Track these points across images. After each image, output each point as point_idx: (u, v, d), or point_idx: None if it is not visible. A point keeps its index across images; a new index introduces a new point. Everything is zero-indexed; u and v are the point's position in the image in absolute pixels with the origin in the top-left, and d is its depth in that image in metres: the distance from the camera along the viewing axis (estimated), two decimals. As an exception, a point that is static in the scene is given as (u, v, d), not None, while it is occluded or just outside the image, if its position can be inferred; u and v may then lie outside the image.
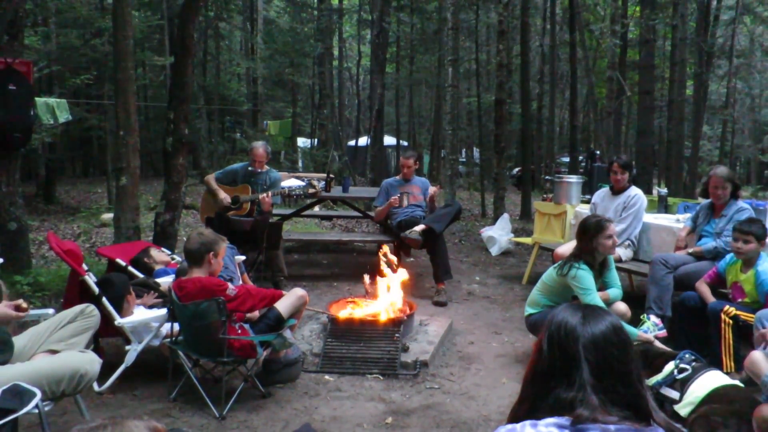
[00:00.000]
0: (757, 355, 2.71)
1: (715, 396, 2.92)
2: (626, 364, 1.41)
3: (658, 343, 3.58)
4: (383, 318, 4.29)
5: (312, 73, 21.06)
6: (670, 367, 3.22)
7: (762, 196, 15.93)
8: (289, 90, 22.39)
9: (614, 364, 1.39)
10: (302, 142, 21.77)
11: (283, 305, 3.57)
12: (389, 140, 22.49)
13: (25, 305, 2.80)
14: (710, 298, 4.03)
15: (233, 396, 3.39)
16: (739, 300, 3.93)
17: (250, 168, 6.07)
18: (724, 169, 4.74)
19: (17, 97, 5.31)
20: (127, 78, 5.87)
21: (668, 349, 3.54)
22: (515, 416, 1.48)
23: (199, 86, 17.56)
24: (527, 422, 1.39)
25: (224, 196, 5.91)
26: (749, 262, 3.91)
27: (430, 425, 3.25)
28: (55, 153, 14.32)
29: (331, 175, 7.59)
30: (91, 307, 3.22)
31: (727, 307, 3.78)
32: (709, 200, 4.78)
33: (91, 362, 2.76)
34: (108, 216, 9.33)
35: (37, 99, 8.11)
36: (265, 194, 5.80)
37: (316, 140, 21.12)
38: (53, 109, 9.53)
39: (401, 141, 23.28)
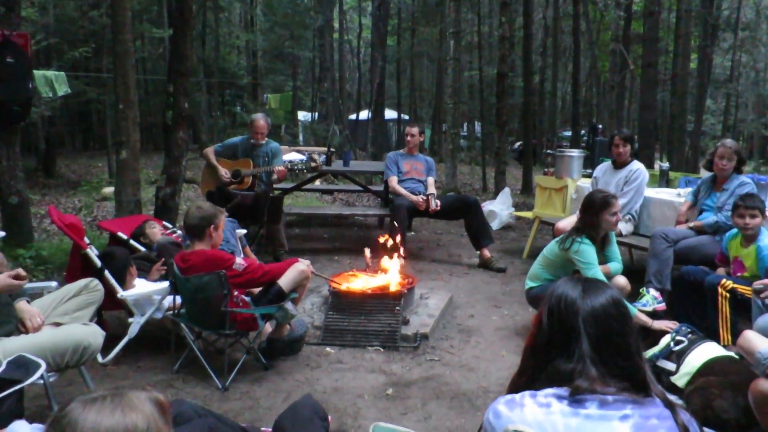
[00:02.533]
0: (750, 333, 2.73)
1: (711, 368, 2.96)
2: (625, 337, 1.42)
3: (656, 324, 3.60)
4: (384, 291, 4.31)
5: (312, 45, 20.87)
6: (666, 339, 3.26)
7: (764, 170, 15.88)
8: (290, 63, 22.20)
9: (613, 337, 1.41)
10: (303, 115, 21.67)
11: (284, 280, 3.58)
12: (390, 114, 22.36)
13: (23, 273, 2.81)
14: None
15: (236, 368, 3.43)
16: (739, 274, 3.94)
17: (251, 141, 6.05)
18: (732, 141, 4.73)
19: (15, 70, 5.27)
20: (125, 51, 5.81)
21: (667, 322, 3.57)
22: (515, 387, 1.50)
23: (198, 59, 17.41)
24: (527, 392, 1.41)
25: (224, 172, 5.89)
26: (751, 237, 3.91)
27: (430, 396, 3.29)
28: (55, 127, 14.27)
29: (332, 149, 7.57)
30: (95, 282, 3.24)
31: (724, 280, 3.80)
32: (710, 174, 4.77)
33: (94, 334, 2.79)
34: (109, 190, 9.34)
35: (35, 72, 8.05)
36: (281, 166, 5.86)
37: (316, 114, 21.03)
38: (52, 83, 9.49)
39: (402, 115, 23.16)
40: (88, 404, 1.16)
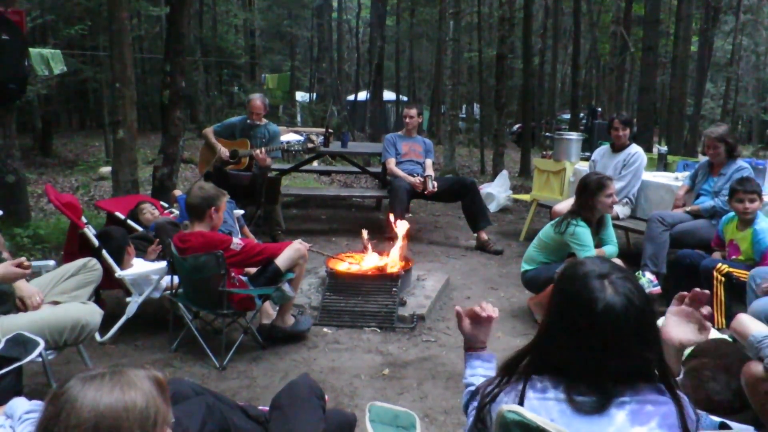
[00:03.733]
0: (743, 316, 2.75)
1: (704, 350, 2.98)
2: (641, 339, 1.36)
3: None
4: (381, 272, 4.33)
5: (311, 25, 20.68)
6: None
7: (763, 155, 15.86)
8: (288, 43, 22.01)
9: (629, 335, 1.34)
10: (301, 96, 21.55)
11: (281, 259, 3.59)
12: (389, 95, 22.22)
13: (27, 263, 2.81)
14: None
15: (233, 347, 3.46)
16: (734, 258, 3.96)
17: (248, 121, 6.02)
18: (716, 128, 4.68)
19: (11, 47, 5.22)
20: (121, 29, 5.76)
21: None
22: (515, 366, 1.48)
23: (195, 38, 17.24)
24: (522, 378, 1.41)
25: (223, 150, 5.87)
26: (747, 220, 3.92)
27: (425, 377, 3.32)
28: (51, 105, 14.16)
29: (330, 130, 7.53)
30: (94, 261, 3.25)
31: (719, 264, 3.82)
32: (707, 159, 4.77)
33: (92, 313, 2.81)
34: (106, 169, 9.31)
35: (31, 50, 7.98)
36: (259, 150, 5.72)
37: (314, 94, 20.90)
38: (48, 61, 9.39)
39: (401, 96, 23.02)
40: (87, 381, 1.17)
